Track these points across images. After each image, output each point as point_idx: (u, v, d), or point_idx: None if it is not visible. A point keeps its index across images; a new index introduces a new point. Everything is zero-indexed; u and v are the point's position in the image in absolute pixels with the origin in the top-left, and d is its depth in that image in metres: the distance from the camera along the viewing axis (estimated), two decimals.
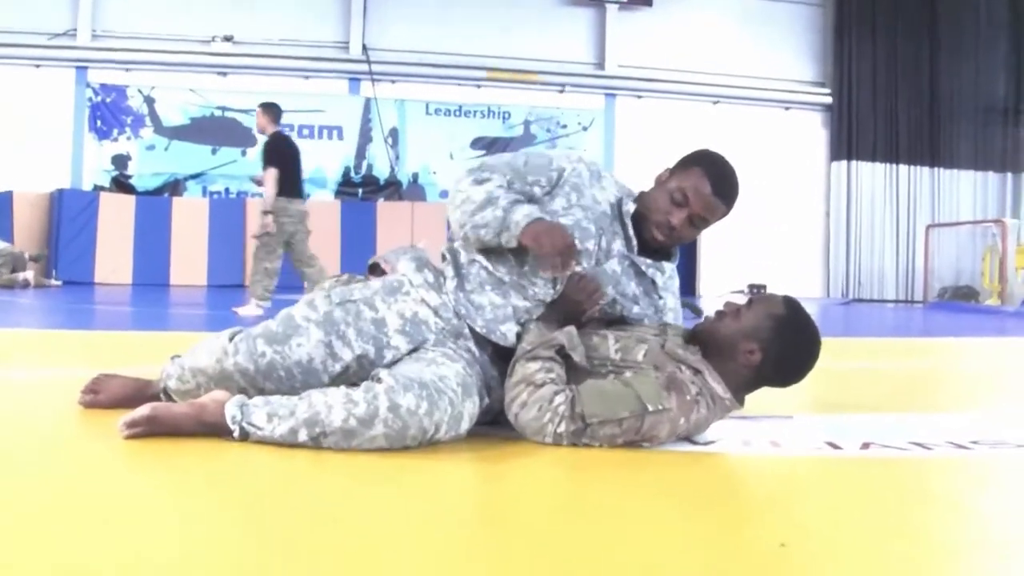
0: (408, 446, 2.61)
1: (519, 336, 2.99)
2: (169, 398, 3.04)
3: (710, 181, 3.13)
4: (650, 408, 2.69)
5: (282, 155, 10.02)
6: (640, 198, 3.25)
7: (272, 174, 9.77)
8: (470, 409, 2.77)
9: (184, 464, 2.45)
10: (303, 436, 2.60)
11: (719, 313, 3.01)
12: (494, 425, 2.96)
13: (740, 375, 2.87)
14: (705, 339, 2.96)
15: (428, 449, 2.64)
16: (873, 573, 1.70)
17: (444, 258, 3.15)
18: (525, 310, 3.02)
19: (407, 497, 2.22)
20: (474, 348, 2.99)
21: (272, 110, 10.42)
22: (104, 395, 3.16)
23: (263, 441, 2.61)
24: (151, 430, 2.64)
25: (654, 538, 1.90)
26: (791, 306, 2.95)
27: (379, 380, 2.67)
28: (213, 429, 2.65)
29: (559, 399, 2.71)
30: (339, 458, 2.53)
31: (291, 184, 10.09)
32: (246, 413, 2.64)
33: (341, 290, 3.04)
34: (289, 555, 1.71)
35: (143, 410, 2.65)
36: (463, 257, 3.11)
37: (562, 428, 2.69)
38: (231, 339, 2.94)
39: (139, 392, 3.17)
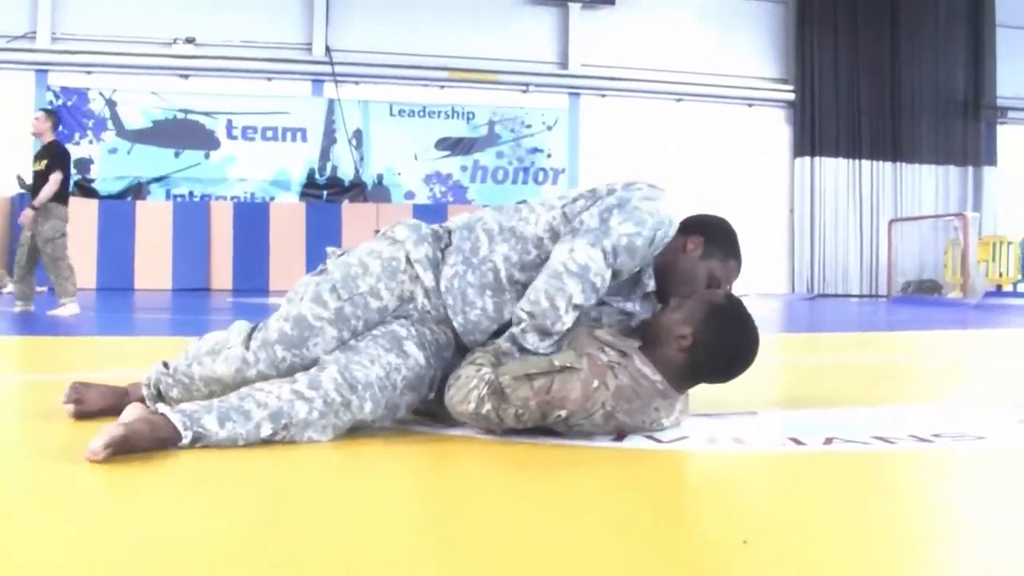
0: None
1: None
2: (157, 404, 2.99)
3: (738, 272, 3.23)
4: (557, 364, 2.74)
5: (66, 162, 10.32)
6: (670, 261, 3.15)
7: (57, 178, 10.04)
8: (409, 400, 2.96)
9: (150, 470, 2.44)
10: (266, 431, 2.70)
11: (663, 305, 3.09)
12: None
13: (673, 361, 2.88)
14: (644, 327, 3.02)
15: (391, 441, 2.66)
16: (834, 569, 1.71)
17: (457, 236, 3.13)
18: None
19: (390, 489, 2.22)
20: (451, 335, 3.06)
21: (55, 117, 10.76)
22: (87, 405, 3.12)
23: (212, 445, 2.64)
24: (118, 452, 2.60)
25: (615, 534, 1.91)
26: (729, 299, 3.01)
27: (324, 369, 2.82)
28: (163, 443, 2.63)
29: (483, 371, 2.81)
30: (292, 453, 2.53)
31: (66, 191, 10.36)
32: (193, 419, 2.65)
33: (347, 281, 3.01)
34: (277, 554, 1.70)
35: (116, 431, 2.56)
36: (484, 249, 3.08)
37: (484, 398, 2.76)
38: (247, 347, 2.95)
39: (119, 400, 3.14)
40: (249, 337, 2.98)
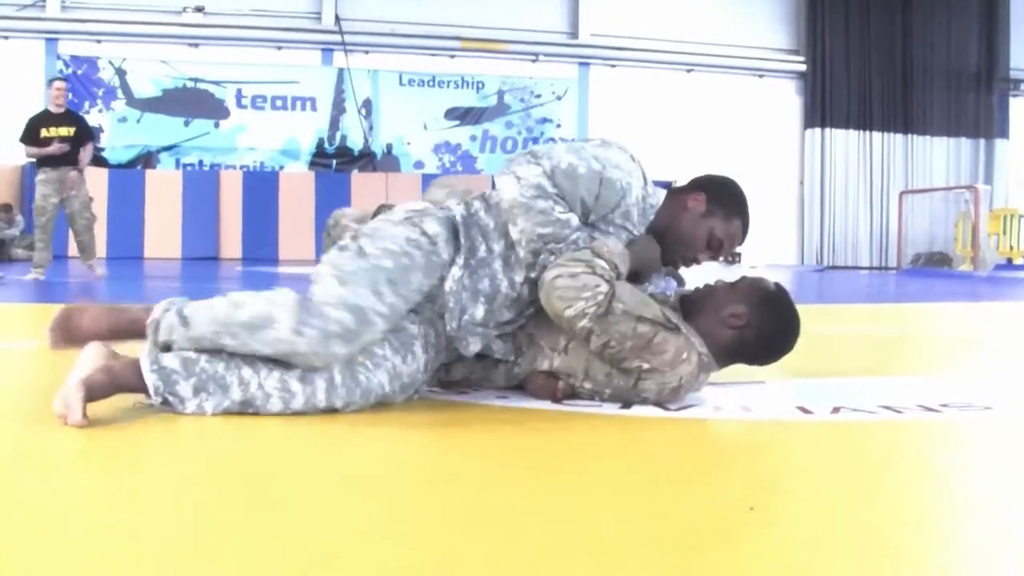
0: None
1: (483, 350, 2.99)
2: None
3: (744, 233, 3.16)
4: (670, 323, 2.79)
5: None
6: (670, 220, 3.10)
7: (91, 146, 10.82)
8: (393, 400, 2.83)
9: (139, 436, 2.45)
10: (231, 408, 2.61)
11: (716, 281, 3.11)
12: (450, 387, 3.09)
13: (720, 337, 2.91)
14: (696, 298, 3.04)
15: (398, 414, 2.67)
16: (840, 536, 1.72)
17: (465, 233, 2.97)
18: (508, 321, 3.00)
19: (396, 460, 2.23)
20: (444, 337, 2.96)
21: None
22: (76, 334, 2.84)
23: (176, 412, 2.58)
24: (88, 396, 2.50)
25: (623, 502, 1.91)
26: (780, 288, 3.05)
27: (316, 371, 2.67)
28: (123, 390, 2.57)
29: (604, 287, 2.75)
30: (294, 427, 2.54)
31: None
32: (167, 382, 2.57)
33: (400, 273, 2.81)
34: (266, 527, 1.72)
35: (75, 395, 2.46)
36: (482, 250, 2.96)
37: (591, 309, 2.73)
38: (298, 333, 2.62)
39: (114, 328, 2.86)
40: (298, 319, 2.64)
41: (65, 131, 10.31)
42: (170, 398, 2.57)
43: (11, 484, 1.95)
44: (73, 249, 17.17)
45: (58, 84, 10.72)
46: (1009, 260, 19.66)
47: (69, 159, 10.29)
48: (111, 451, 2.28)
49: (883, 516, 1.83)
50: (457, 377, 3.10)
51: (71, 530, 1.63)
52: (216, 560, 1.48)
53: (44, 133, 10.29)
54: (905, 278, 17.33)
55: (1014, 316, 8.38)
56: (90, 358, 2.64)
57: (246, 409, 2.61)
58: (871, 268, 23.12)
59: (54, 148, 10.14)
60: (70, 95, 11.51)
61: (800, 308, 3.04)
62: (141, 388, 2.57)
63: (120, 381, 2.56)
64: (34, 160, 10.53)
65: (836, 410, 2.97)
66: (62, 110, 10.57)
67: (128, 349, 2.75)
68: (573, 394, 2.96)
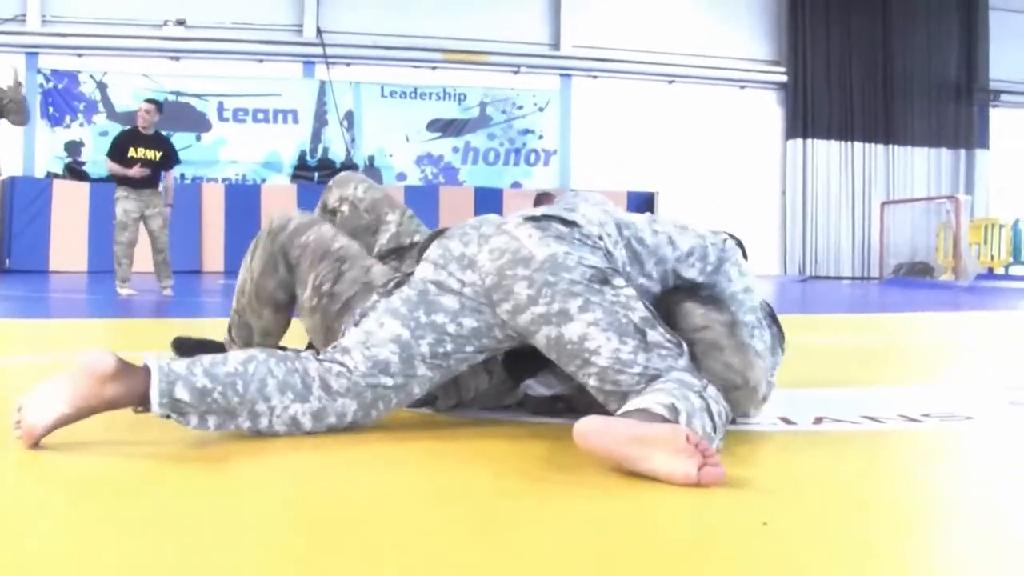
0: None
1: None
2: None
3: None
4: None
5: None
6: None
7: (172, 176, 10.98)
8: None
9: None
10: (230, 430, 2.51)
11: None
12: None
13: None
14: None
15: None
16: (830, 544, 1.72)
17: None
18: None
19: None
20: None
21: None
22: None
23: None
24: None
25: (605, 506, 1.91)
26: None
27: (340, 396, 2.57)
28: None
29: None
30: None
31: None
32: (175, 407, 2.37)
33: None
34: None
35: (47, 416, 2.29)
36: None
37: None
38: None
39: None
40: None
41: (152, 154, 10.45)
42: (176, 418, 2.39)
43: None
44: (54, 263, 17.25)
45: (146, 106, 10.65)
46: (990, 270, 19.72)
47: (149, 182, 10.48)
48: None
49: (870, 526, 1.83)
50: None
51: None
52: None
53: (132, 153, 10.35)
54: (887, 288, 17.39)
55: (995, 326, 8.41)
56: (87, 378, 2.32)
57: (250, 430, 2.51)
58: (853, 278, 23.19)
59: (135, 172, 10.23)
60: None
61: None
62: (136, 405, 2.37)
63: (119, 402, 2.34)
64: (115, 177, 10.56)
65: (819, 420, 2.98)
66: (151, 131, 10.57)
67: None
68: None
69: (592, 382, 2.52)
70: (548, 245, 2.57)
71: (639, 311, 2.53)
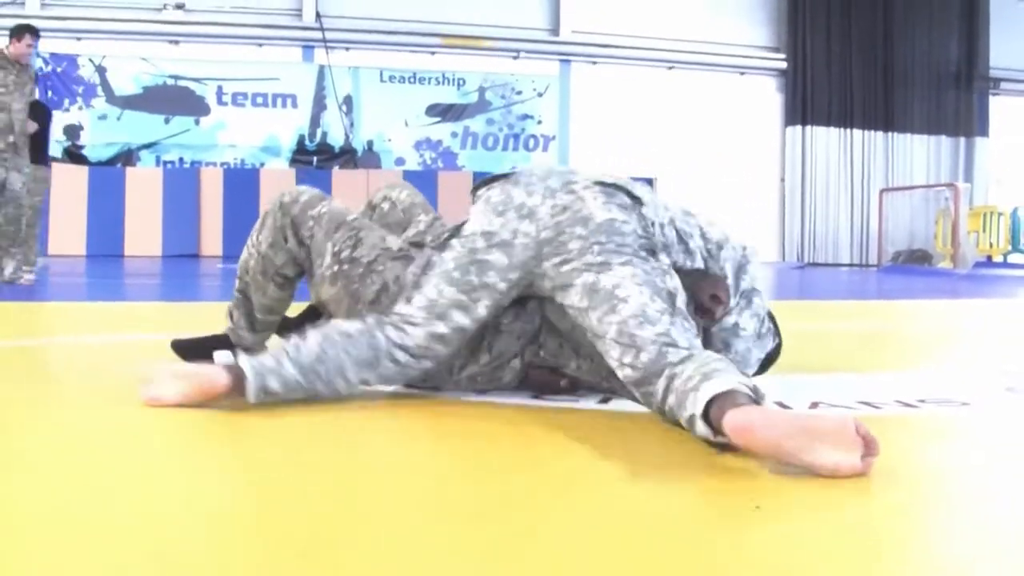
0: None
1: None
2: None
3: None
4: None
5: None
6: None
7: None
8: None
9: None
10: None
11: None
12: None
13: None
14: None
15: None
16: (830, 530, 1.72)
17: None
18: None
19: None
20: None
21: None
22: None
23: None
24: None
25: (605, 494, 1.91)
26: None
27: (402, 366, 2.76)
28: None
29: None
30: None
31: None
32: (268, 395, 2.60)
33: None
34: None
35: (167, 392, 2.64)
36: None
37: None
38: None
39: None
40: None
41: None
42: (266, 398, 2.63)
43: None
44: (53, 247, 17.24)
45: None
46: (988, 257, 19.71)
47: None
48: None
49: (864, 512, 1.83)
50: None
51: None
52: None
53: None
54: (885, 275, 17.38)
55: (993, 313, 8.42)
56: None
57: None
58: (852, 265, 23.19)
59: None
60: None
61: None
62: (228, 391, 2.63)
63: (215, 391, 2.62)
64: None
65: (815, 405, 2.98)
66: None
67: None
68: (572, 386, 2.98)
69: (611, 333, 2.54)
70: (610, 211, 2.69)
71: (675, 282, 2.64)
